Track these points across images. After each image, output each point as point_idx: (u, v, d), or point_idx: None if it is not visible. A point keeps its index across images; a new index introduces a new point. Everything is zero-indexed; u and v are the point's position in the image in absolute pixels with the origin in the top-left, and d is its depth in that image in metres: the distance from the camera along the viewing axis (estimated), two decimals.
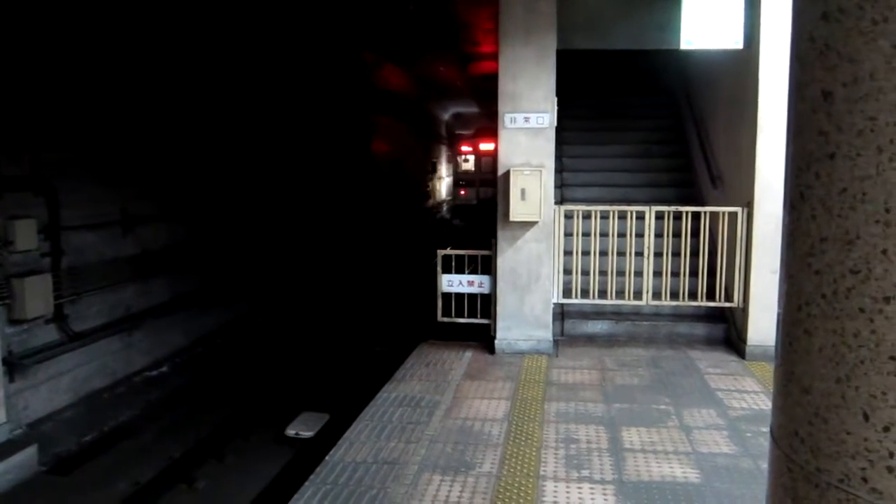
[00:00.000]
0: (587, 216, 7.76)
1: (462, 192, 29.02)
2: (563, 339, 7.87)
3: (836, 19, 1.30)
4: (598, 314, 8.14)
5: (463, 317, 7.74)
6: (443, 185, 35.67)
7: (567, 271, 7.77)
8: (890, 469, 1.25)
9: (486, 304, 7.64)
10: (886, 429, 1.25)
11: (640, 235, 7.58)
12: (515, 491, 4.41)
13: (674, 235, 7.65)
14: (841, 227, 1.30)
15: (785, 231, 1.49)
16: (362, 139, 20.67)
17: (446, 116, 33.96)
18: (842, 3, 1.28)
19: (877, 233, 1.24)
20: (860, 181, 1.26)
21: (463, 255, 7.79)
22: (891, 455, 1.24)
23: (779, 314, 1.53)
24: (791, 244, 1.45)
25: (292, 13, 12.52)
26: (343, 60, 17.01)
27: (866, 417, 1.27)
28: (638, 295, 7.58)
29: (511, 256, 7.41)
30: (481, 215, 22.00)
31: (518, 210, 7.21)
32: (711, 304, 7.61)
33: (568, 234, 7.82)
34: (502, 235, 7.42)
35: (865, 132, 1.25)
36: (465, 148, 28.14)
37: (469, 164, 29.11)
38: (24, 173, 7.71)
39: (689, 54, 9.42)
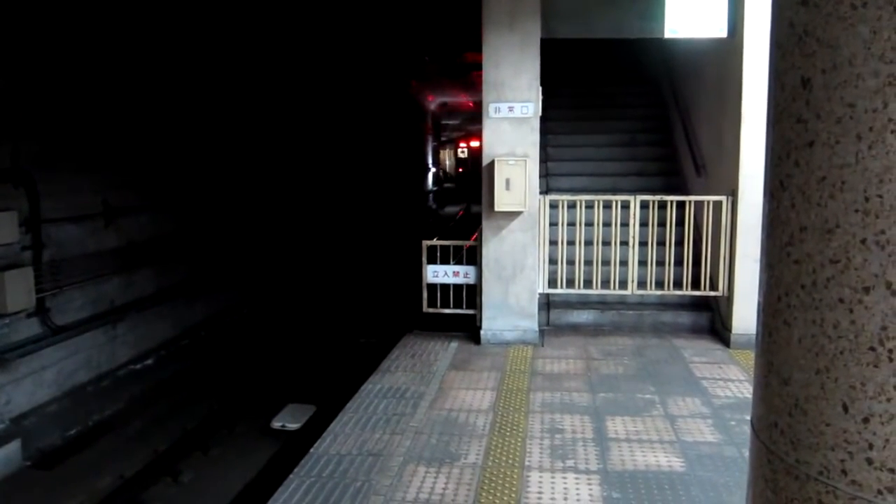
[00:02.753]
0: (572, 206, 7.74)
1: (460, 170, 43.55)
2: (549, 329, 7.86)
3: (815, 5, 1.28)
4: (583, 304, 8.14)
5: (448, 307, 7.72)
6: (429, 175, 35.61)
7: (552, 261, 7.76)
8: (869, 461, 1.23)
9: (471, 294, 7.62)
10: (866, 420, 1.23)
11: (625, 225, 7.57)
12: (500, 482, 4.40)
13: (659, 225, 7.65)
14: (820, 216, 1.28)
15: (765, 220, 1.48)
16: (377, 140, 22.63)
17: (433, 107, 33.85)
18: None
19: (856, 222, 1.22)
20: (839, 169, 1.25)
21: (448, 246, 7.76)
22: (870, 447, 1.23)
23: (759, 304, 1.52)
24: (771, 233, 1.44)
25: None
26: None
27: (846, 409, 1.26)
28: (623, 284, 7.58)
29: (496, 247, 7.39)
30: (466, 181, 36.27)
31: (503, 200, 7.18)
32: (696, 292, 7.63)
33: (553, 224, 7.80)
34: (487, 225, 7.40)
35: (844, 119, 1.23)
36: (462, 144, 43.05)
37: (464, 154, 43.64)
38: (3, 165, 7.62)
39: (673, 43, 9.41)
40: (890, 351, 1.20)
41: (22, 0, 7.83)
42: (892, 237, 1.18)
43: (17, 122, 7.83)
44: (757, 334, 1.52)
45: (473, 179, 37.28)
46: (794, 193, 1.34)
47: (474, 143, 38.52)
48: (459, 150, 44.30)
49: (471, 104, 30.37)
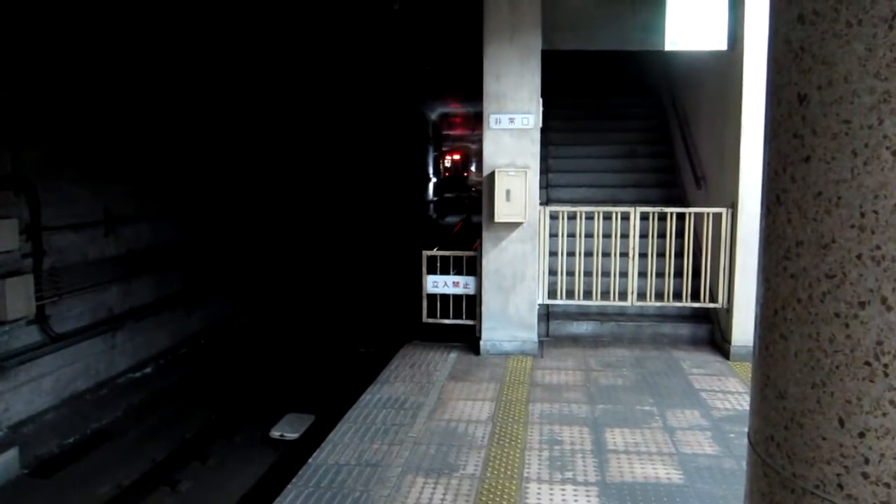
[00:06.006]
0: (572, 217, 7.75)
1: (447, 174, 46.29)
2: (548, 340, 7.86)
3: (811, 22, 1.29)
4: (582, 315, 8.14)
5: (448, 318, 7.71)
6: (430, 185, 35.66)
7: (552, 272, 7.76)
8: (865, 475, 1.24)
9: (471, 304, 7.62)
10: (862, 434, 1.24)
11: (625, 236, 7.58)
12: (499, 493, 4.39)
13: (659, 236, 7.65)
14: (816, 231, 1.29)
15: (761, 234, 1.49)
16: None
17: (433, 117, 33.96)
18: (817, 5, 1.28)
19: (851, 237, 1.23)
20: (835, 185, 1.26)
21: (448, 256, 7.77)
22: (866, 461, 1.24)
23: (756, 318, 1.52)
24: (767, 248, 1.45)
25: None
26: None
27: (842, 423, 1.27)
28: (623, 296, 7.58)
29: (496, 257, 7.40)
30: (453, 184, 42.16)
31: (503, 211, 7.19)
32: (696, 304, 7.62)
33: (553, 235, 7.81)
34: (487, 236, 7.40)
35: (840, 135, 1.24)
36: (447, 156, 46.43)
37: (448, 164, 47.29)
38: (4, 172, 7.64)
39: (674, 55, 9.44)
40: (885, 366, 1.21)
41: (24, 9, 7.86)
42: (888, 252, 1.19)
43: (19, 129, 7.86)
44: (754, 348, 1.53)
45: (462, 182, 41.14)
46: (790, 208, 1.35)
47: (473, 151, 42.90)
48: (445, 160, 48.90)
49: (471, 115, 30.51)
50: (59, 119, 8.46)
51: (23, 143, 7.88)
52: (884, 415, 1.21)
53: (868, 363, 1.23)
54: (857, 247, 1.23)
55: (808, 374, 1.32)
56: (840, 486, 1.27)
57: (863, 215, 1.22)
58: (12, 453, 7.30)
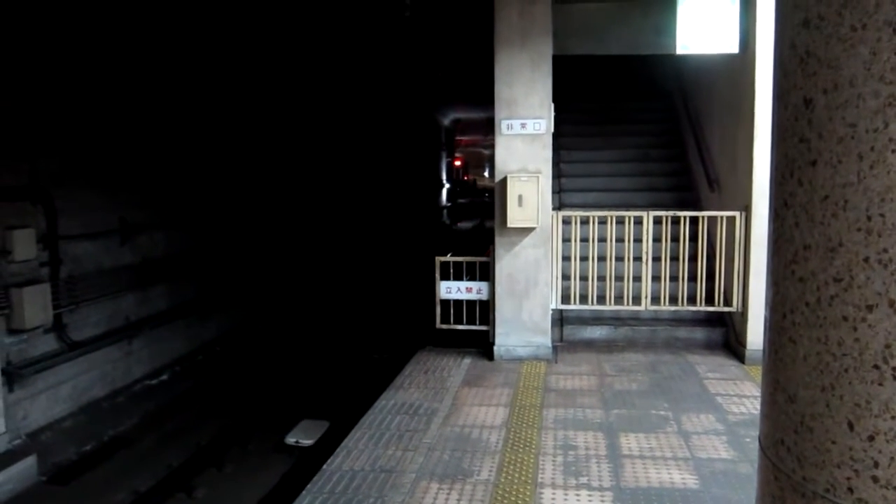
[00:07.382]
0: (585, 221, 7.74)
1: (457, 178, 46.14)
2: (562, 345, 7.84)
3: (816, 26, 1.30)
4: (596, 320, 8.12)
5: (461, 323, 7.71)
6: (443, 191, 35.71)
7: (565, 277, 7.75)
8: (875, 479, 1.24)
9: (484, 310, 7.62)
10: (871, 438, 1.24)
11: (638, 240, 7.55)
12: (513, 498, 4.39)
13: (672, 240, 7.63)
14: (823, 235, 1.30)
15: (770, 238, 1.49)
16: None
17: (446, 122, 33.98)
18: (822, 9, 1.28)
19: (859, 240, 1.24)
20: (842, 188, 1.26)
21: (461, 262, 7.77)
22: (876, 464, 1.24)
23: (765, 322, 1.52)
24: (776, 252, 1.45)
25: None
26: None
27: (851, 427, 1.27)
28: (637, 300, 7.56)
29: (509, 262, 7.39)
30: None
31: (515, 216, 7.19)
32: (710, 308, 7.58)
33: (566, 240, 7.79)
34: (500, 242, 7.40)
35: (846, 139, 1.25)
36: (460, 161, 45.95)
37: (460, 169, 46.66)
38: (21, 183, 7.72)
39: (685, 59, 9.41)
40: (894, 369, 1.21)
41: (43, 23, 7.95)
42: (895, 255, 1.19)
43: (36, 140, 7.95)
44: (763, 352, 1.53)
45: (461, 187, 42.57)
46: (797, 212, 1.36)
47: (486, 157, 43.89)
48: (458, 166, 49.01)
49: (483, 120, 30.53)
50: (75, 129, 8.55)
51: (40, 153, 7.96)
52: (893, 418, 1.21)
53: (877, 366, 1.23)
54: (864, 250, 1.23)
55: (817, 377, 1.32)
56: (850, 490, 1.27)
57: (869, 218, 1.22)
58: (30, 461, 7.36)
